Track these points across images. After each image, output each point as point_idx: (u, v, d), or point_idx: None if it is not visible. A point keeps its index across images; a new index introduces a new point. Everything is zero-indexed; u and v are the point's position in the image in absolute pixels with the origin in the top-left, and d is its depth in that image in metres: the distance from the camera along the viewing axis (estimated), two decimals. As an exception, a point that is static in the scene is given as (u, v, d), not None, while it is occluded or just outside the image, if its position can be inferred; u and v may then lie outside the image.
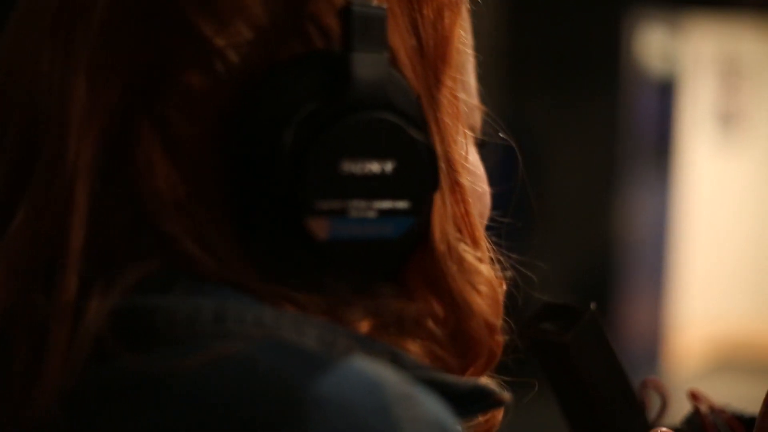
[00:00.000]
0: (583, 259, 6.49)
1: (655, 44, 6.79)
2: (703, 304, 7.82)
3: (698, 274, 7.71)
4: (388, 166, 0.62)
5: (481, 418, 0.68)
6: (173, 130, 0.61)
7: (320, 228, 0.60)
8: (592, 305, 0.75)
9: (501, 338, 0.67)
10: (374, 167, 0.61)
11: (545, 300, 0.78)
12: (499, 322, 0.66)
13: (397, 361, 0.60)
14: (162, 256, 0.61)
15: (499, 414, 0.70)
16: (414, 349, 0.63)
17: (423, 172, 0.62)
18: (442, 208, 0.64)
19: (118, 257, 0.61)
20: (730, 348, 7.83)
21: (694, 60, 7.50)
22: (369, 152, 0.61)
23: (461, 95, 0.68)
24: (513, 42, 6.27)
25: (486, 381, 0.67)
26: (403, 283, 0.64)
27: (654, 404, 0.79)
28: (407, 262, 0.63)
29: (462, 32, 0.69)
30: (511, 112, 6.21)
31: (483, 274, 0.65)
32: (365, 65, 0.61)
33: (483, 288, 0.65)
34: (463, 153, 0.67)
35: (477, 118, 0.72)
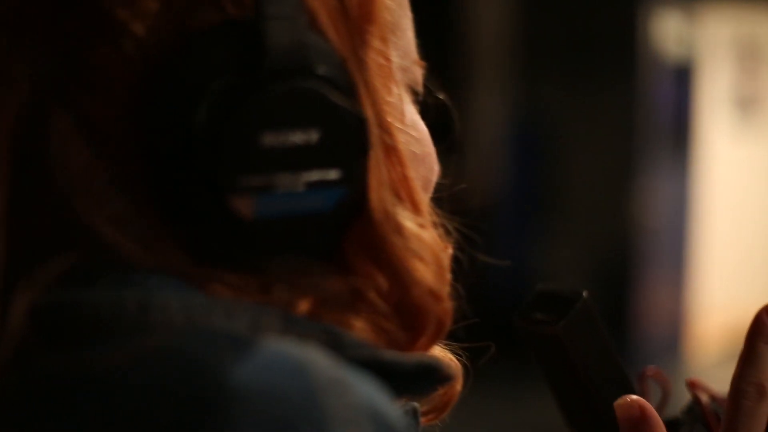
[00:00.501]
0: (601, 247, 6.47)
1: (671, 29, 6.75)
2: (723, 291, 7.78)
3: (717, 260, 7.67)
4: (313, 136, 0.59)
5: (439, 391, 0.66)
6: (87, 114, 0.59)
7: (245, 206, 0.58)
8: (585, 293, 0.73)
9: (449, 305, 0.64)
10: (298, 138, 0.59)
11: (538, 287, 0.76)
12: (445, 288, 0.64)
13: (335, 341, 0.58)
14: (86, 246, 0.59)
15: (457, 385, 0.68)
16: (359, 324, 0.61)
17: (351, 138, 0.60)
18: (377, 174, 0.61)
19: (42, 252, 0.59)
20: (751, 334, 7.79)
21: (711, 44, 7.45)
22: (290, 123, 0.58)
23: (394, 54, 0.66)
24: (529, 28, 6.24)
25: (433, 355, 0.65)
26: (342, 256, 0.61)
27: (655, 394, 0.77)
28: (345, 233, 0.61)
29: None
30: (528, 100, 6.18)
31: (425, 240, 0.63)
32: (280, 32, 0.58)
33: (425, 254, 0.63)
34: (399, 115, 0.65)
35: (416, 76, 0.69)
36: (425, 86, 0.71)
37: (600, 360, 0.74)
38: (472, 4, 6.28)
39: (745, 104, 7.91)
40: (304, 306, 0.60)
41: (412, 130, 0.68)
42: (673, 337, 6.93)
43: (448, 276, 0.65)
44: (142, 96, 0.59)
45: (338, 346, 0.58)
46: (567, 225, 6.38)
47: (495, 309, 5.40)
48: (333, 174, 0.59)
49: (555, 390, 0.76)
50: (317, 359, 0.54)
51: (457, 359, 0.72)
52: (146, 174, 0.59)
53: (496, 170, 6.27)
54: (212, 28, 0.59)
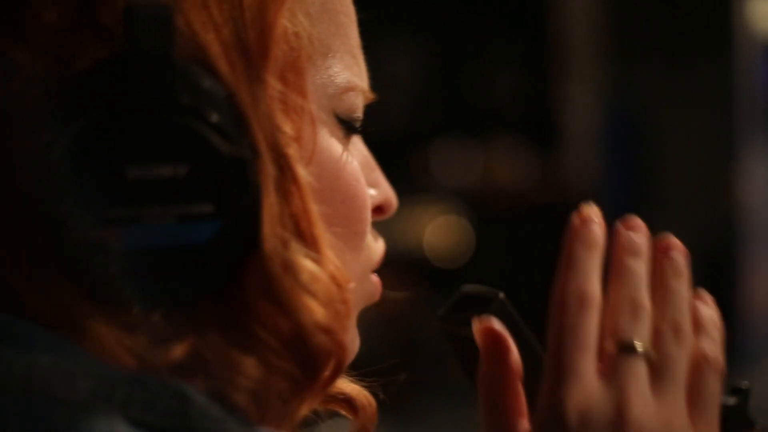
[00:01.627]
0: (705, 233, 6.37)
1: (767, 8, 6.62)
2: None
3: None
4: (181, 170, 0.59)
5: None
6: None
7: (112, 237, 0.59)
8: (501, 294, 0.72)
9: (345, 340, 0.64)
10: (164, 172, 0.59)
11: (462, 288, 0.75)
12: (340, 324, 0.63)
13: (184, 410, 0.58)
14: None
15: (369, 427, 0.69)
16: (248, 362, 0.61)
17: (224, 172, 0.60)
18: (269, 208, 0.61)
19: None
20: None
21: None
22: (154, 156, 0.59)
23: (317, 84, 0.66)
24: (620, 15, 6.16)
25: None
26: (238, 292, 0.61)
27: None
28: (235, 268, 0.61)
29: (319, 15, 0.67)
30: (622, 89, 6.11)
31: (317, 276, 0.62)
32: (147, 67, 0.59)
33: (318, 290, 0.62)
34: (305, 148, 0.65)
35: (350, 104, 0.69)
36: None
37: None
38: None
39: None
40: (182, 346, 0.60)
41: (330, 164, 0.67)
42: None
43: (347, 310, 0.64)
44: (26, 134, 0.59)
45: (183, 418, 0.58)
46: (668, 213, 6.29)
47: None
48: (207, 207, 0.59)
49: (475, 386, 0.74)
50: None
51: (373, 393, 0.73)
52: (29, 207, 0.60)
53: (593, 161, 6.20)
54: (92, 64, 0.59)
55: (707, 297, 0.70)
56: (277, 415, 0.63)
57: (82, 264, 0.59)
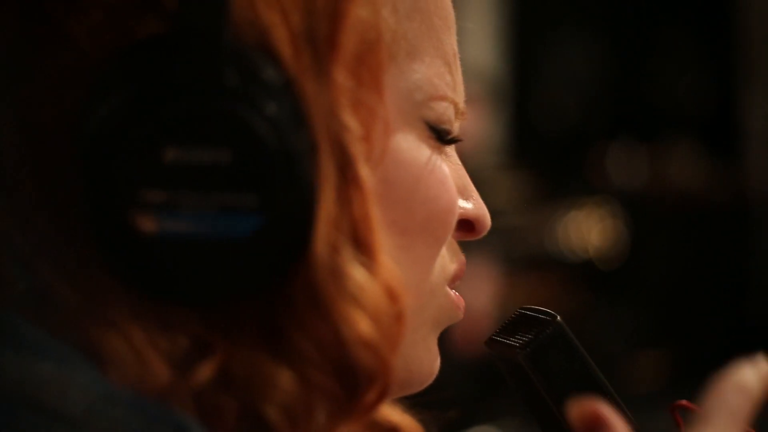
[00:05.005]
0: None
1: None
2: None
3: None
4: (225, 157, 0.55)
5: None
6: (29, 117, 0.58)
7: (148, 222, 0.55)
8: (558, 317, 0.68)
9: (393, 361, 0.58)
10: (207, 158, 0.55)
11: (520, 308, 0.71)
12: (390, 342, 0.58)
13: None
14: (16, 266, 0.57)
15: None
16: (283, 376, 0.56)
17: (270, 163, 0.56)
18: (326, 209, 0.57)
19: None
20: None
21: None
22: (198, 140, 0.55)
23: (400, 86, 0.62)
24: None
25: None
26: (284, 298, 0.57)
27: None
28: (279, 268, 0.57)
29: (411, 14, 0.63)
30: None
31: (367, 287, 0.57)
32: (194, 47, 0.55)
33: (366, 303, 0.57)
34: (376, 149, 0.60)
35: (440, 114, 0.65)
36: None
37: (572, 385, 0.68)
38: (745, 2, 6.09)
39: None
40: (216, 350, 0.56)
41: (410, 167, 0.63)
42: None
43: (400, 328, 0.59)
44: (76, 106, 0.57)
45: None
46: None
47: (758, 312, 5.17)
48: (248, 200, 0.56)
49: (534, 414, 0.71)
50: None
51: (422, 421, 0.68)
52: (72, 187, 0.57)
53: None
54: (139, 42, 0.57)
55: None
56: None
57: (116, 250, 0.56)
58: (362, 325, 0.57)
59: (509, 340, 0.70)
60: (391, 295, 0.59)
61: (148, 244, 0.55)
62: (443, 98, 0.65)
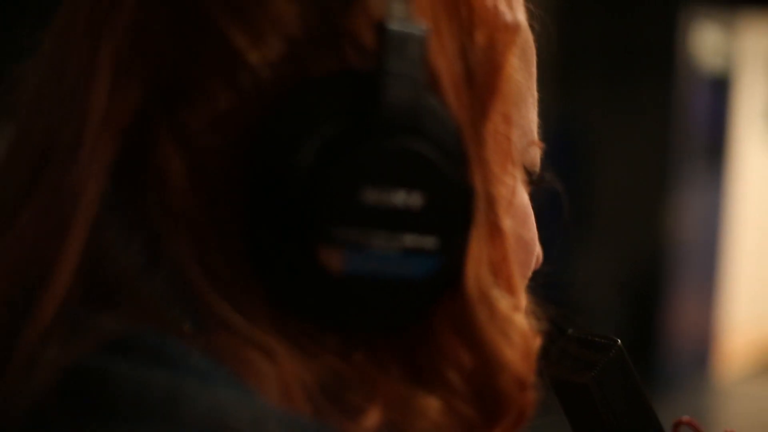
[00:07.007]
0: (632, 258, 6.43)
1: (709, 40, 6.71)
2: (754, 307, 7.73)
3: (749, 275, 7.62)
4: (416, 200, 0.56)
5: None
6: (193, 140, 0.57)
7: (335, 259, 0.55)
8: (618, 341, 0.70)
9: (532, 396, 0.60)
10: (400, 199, 0.56)
11: (571, 332, 0.72)
12: (530, 377, 0.60)
13: None
14: (151, 274, 0.57)
15: None
16: (431, 403, 0.57)
17: (455, 209, 0.57)
18: (477, 250, 0.58)
19: (103, 278, 0.57)
20: (780, 350, 7.75)
21: (748, 57, 7.41)
22: (395, 182, 0.56)
23: (515, 132, 0.63)
24: (567, 35, 6.21)
25: None
26: (429, 330, 0.58)
27: None
28: (434, 306, 0.58)
29: (519, 64, 0.64)
30: (563, 106, 6.15)
31: (517, 325, 0.59)
32: (398, 88, 0.56)
33: (516, 339, 0.59)
34: (509, 195, 0.62)
35: (534, 157, 0.67)
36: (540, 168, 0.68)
37: (630, 410, 0.70)
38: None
39: (781, 119, 7.86)
40: (365, 383, 0.57)
41: (520, 212, 0.65)
42: (701, 351, 6.88)
43: (534, 366, 0.61)
44: (252, 133, 0.56)
45: None
46: (598, 237, 6.33)
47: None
48: (430, 242, 0.57)
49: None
50: None
51: None
52: (241, 211, 0.56)
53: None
54: (330, 75, 0.56)
55: None
56: None
57: (290, 281, 0.56)
58: (515, 361, 0.59)
59: (572, 362, 0.71)
60: (531, 334, 0.61)
61: (332, 280, 0.56)
62: (535, 142, 0.67)
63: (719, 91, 7.02)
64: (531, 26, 0.67)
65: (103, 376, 0.53)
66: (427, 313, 0.58)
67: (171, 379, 0.53)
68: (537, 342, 0.61)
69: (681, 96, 6.50)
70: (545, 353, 0.68)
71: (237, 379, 0.55)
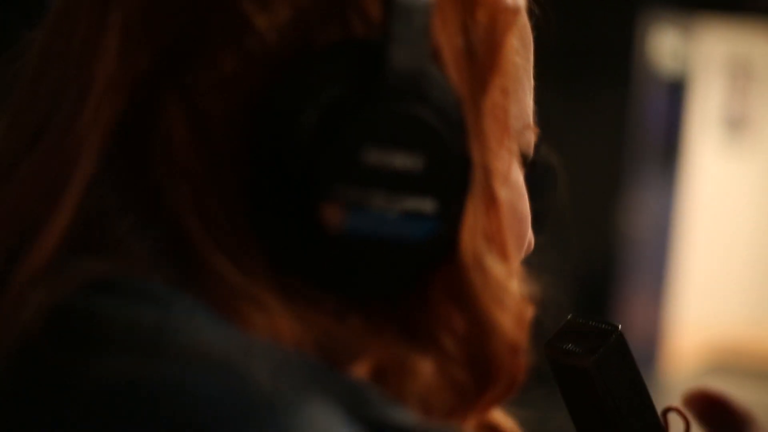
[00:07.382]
0: (584, 257, 6.47)
1: (666, 44, 6.76)
2: (703, 307, 7.80)
3: (699, 277, 7.68)
4: (416, 163, 0.58)
5: None
6: (200, 103, 0.59)
7: (335, 217, 0.57)
8: (619, 326, 0.71)
9: (524, 362, 0.61)
10: (401, 161, 0.58)
11: (571, 317, 0.73)
12: (523, 343, 0.61)
13: (357, 402, 0.55)
14: (145, 229, 0.58)
15: None
16: (424, 367, 0.58)
17: (453, 175, 0.59)
18: (473, 218, 0.60)
19: (97, 231, 0.58)
20: (728, 352, 7.81)
21: (705, 62, 7.46)
22: (396, 145, 0.57)
23: (511, 109, 0.64)
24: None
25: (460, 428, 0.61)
26: (423, 294, 0.59)
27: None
28: (430, 270, 0.59)
29: (517, 45, 0.66)
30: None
31: (510, 292, 0.61)
32: (402, 56, 0.58)
33: (510, 306, 0.61)
34: (506, 168, 0.63)
35: (528, 139, 0.69)
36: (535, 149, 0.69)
37: (628, 395, 0.71)
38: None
39: (735, 123, 7.93)
40: (368, 336, 0.58)
41: (516, 186, 0.66)
42: (651, 350, 6.94)
43: (528, 331, 0.62)
44: (258, 97, 0.58)
45: (361, 406, 0.55)
46: (551, 234, 6.37)
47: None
48: (428, 206, 0.58)
49: (579, 423, 0.73)
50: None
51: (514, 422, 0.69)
52: (243, 173, 0.58)
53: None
54: (336, 43, 0.58)
55: None
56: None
57: (289, 237, 0.57)
58: (508, 326, 0.60)
59: (572, 347, 0.71)
60: (524, 301, 0.62)
61: (331, 238, 0.57)
62: (530, 127, 0.69)
63: (676, 94, 7.06)
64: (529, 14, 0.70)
65: (91, 312, 0.55)
66: (423, 277, 0.59)
67: (158, 314, 0.54)
68: (530, 310, 0.62)
69: (638, 99, 6.54)
70: (545, 338, 0.71)
71: (225, 320, 0.56)
